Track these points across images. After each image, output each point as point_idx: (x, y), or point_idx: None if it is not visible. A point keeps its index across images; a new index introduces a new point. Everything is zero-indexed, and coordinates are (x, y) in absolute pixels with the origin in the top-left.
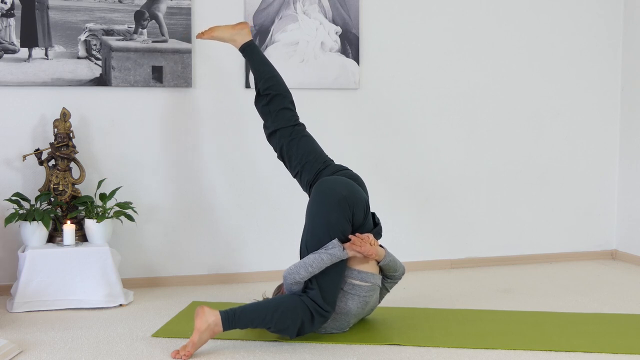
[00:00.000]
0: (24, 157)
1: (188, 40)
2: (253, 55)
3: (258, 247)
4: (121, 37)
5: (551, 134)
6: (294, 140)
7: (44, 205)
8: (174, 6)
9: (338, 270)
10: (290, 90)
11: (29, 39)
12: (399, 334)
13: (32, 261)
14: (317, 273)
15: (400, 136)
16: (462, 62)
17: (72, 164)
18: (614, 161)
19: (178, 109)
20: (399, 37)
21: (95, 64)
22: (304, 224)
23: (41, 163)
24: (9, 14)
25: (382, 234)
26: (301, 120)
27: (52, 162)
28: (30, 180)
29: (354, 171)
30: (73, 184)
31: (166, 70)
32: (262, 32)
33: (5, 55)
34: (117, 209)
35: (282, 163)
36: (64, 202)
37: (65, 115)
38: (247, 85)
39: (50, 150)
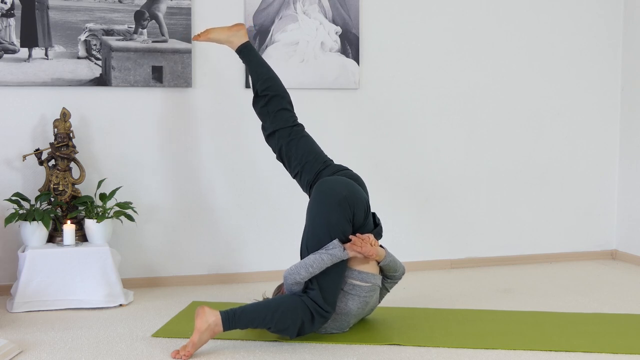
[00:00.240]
0: (24, 157)
1: (188, 40)
2: (250, 56)
3: (258, 247)
4: (121, 37)
5: (551, 134)
6: (293, 141)
7: (44, 205)
8: (174, 6)
9: (338, 271)
10: (290, 91)
11: (29, 39)
12: (399, 334)
13: (32, 261)
14: (318, 273)
15: (400, 136)
16: (462, 62)
17: (72, 164)
18: (614, 161)
19: (178, 109)
20: (399, 37)
21: (95, 64)
22: (304, 224)
23: (41, 163)
24: (9, 14)
25: (382, 234)
26: (301, 120)
27: (52, 162)
28: (30, 180)
29: (354, 171)
30: (73, 184)
31: (166, 70)
32: (262, 32)
33: (5, 55)
34: (117, 209)
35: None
36: (64, 202)
37: (65, 115)
38: (247, 85)
39: (50, 150)
